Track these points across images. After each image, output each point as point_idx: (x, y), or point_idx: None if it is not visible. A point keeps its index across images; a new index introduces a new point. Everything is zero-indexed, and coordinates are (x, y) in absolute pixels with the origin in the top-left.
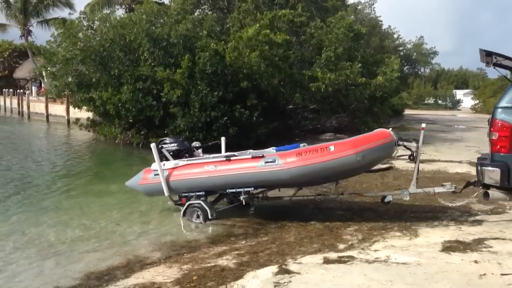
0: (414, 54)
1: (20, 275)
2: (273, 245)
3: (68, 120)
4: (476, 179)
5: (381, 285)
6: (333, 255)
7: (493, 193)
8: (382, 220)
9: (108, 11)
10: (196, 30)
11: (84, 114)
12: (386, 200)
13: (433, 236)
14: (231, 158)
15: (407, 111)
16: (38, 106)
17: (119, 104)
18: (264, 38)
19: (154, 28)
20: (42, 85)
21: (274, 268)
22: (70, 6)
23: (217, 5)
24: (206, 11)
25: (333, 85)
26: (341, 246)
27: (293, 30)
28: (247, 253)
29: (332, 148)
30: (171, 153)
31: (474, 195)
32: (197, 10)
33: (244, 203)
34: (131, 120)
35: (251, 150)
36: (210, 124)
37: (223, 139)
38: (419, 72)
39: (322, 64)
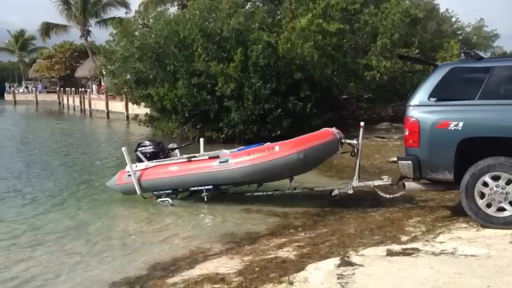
0: (474, 37)
1: (91, 265)
2: (333, 237)
3: (127, 116)
4: None
5: (449, 278)
6: (396, 247)
7: (409, 184)
8: (446, 211)
9: (161, 9)
10: (248, 23)
11: (142, 110)
12: (333, 194)
13: None
14: (192, 159)
15: None
16: (98, 103)
17: (175, 100)
18: (317, 28)
19: (207, 23)
20: (102, 83)
21: (336, 260)
22: (126, 5)
23: None
24: (257, 3)
25: (388, 73)
26: (404, 238)
27: (346, 18)
28: (307, 245)
29: (277, 148)
30: (148, 155)
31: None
32: (249, 3)
33: (205, 200)
34: (187, 115)
35: (209, 152)
36: (264, 116)
37: (201, 140)
38: None
39: (378, 52)
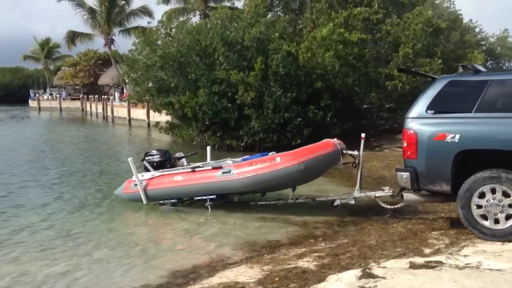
0: (498, 48)
1: (112, 272)
2: (354, 248)
3: (149, 124)
4: None
5: None
6: (419, 260)
7: (408, 195)
8: None
9: (184, 18)
10: (269, 32)
11: (163, 117)
12: (335, 204)
13: None
14: (196, 169)
15: None
16: (121, 110)
17: (196, 107)
18: (339, 37)
19: (228, 32)
20: (124, 91)
21: (357, 272)
22: (150, 14)
23: (290, 7)
24: (279, 13)
25: (411, 82)
26: (427, 250)
27: (368, 28)
28: (327, 256)
29: (278, 159)
30: (155, 163)
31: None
32: (270, 13)
33: (209, 209)
34: (207, 123)
35: (213, 162)
36: (284, 125)
37: (208, 148)
38: (504, 67)
39: (400, 62)
